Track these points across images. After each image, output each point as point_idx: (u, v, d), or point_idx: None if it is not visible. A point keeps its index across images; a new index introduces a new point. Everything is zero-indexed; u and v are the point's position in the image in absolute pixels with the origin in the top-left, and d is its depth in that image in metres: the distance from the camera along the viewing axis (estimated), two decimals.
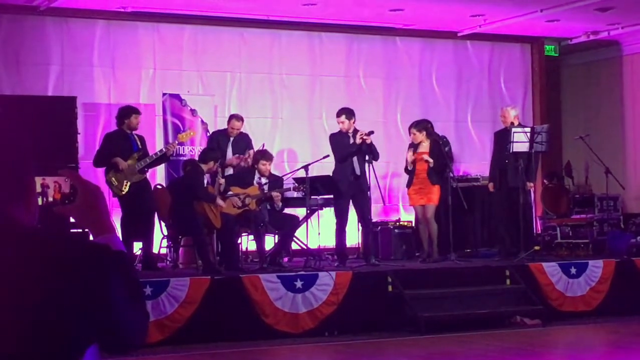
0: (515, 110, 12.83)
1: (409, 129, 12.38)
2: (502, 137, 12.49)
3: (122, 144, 11.34)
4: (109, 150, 11.32)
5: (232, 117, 12.49)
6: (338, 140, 11.86)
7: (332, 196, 12.00)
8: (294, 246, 12.22)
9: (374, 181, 11.72)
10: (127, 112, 11.40)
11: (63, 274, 1.95)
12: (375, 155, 11.77)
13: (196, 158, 11.99)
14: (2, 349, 1.89)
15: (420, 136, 12.18)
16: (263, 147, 12.25)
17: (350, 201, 11.76)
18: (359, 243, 12.88)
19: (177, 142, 12.16)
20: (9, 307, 1.91)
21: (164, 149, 11.71)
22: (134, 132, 11.51)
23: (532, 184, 12.57)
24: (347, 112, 11.82)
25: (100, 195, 2.23)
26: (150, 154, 11.54)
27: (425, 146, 12.21)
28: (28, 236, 2.01)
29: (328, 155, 12.05)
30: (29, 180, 2.09)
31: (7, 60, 12.87)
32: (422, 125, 12.34)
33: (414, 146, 12.28)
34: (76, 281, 1.95)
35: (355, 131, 11.73)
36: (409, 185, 12.32)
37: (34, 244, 1.99)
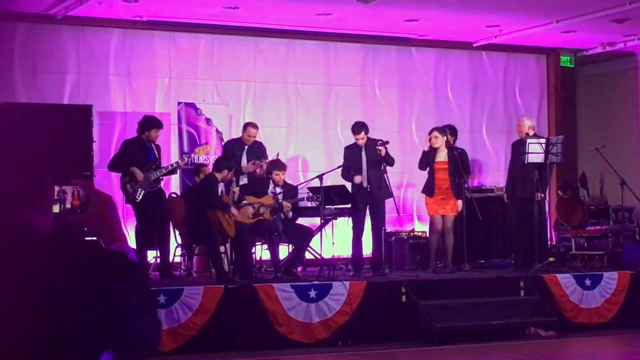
0: (531, 121, 12.84)
1: (430, 132, 12.40)
2: (518, 148, 12.48)
3: (139, 152, 11.37)
4: (125, 156, 11.35)
5: (248, 124, 12.47)
6: (348, 154, 12.04)
7: (346, 206, 12.07)
8: (308, 256, 12.22)
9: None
10: (148, 125, 11.40)
11: (80, 279, 1.96)
12: (389, 162, 11.85)
13: (209, 166, 12.01)
14: (19, 351, 1.90)
15: (441, 140, 12.19)
16: (277, 156, 12.26)
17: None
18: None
19: (187, 159, 12.14)
20: (25, 310, 1.92)
21: (177, 163, 11.72)
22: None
23: (542, 195, 12.54)
24: (365, 127, 11.95)
25: (111, 205, 2.24)
26: (164, 165, 11.59)
27: (443, 155, 12.23)
28: (45, 241, 2.02)
29: (342, 165, 12.10)
30: (47, 186, 2.10)
31: (23, 68, 12.93)
32: (445, 131, 12.42)
33: (431, 152, 12.29)
34: (92, 287, 1.96)
35: (370, 141, 11.81)
36: (429, 193, 12.28)
37: (50, 249, 2.00)
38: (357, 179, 11.77)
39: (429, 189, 12.33)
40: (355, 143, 11.98)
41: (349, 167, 11.94)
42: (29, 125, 2.08)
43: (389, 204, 12.10)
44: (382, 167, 11.79)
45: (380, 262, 11.91)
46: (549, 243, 13.59)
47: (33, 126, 2.08)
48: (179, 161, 11.87)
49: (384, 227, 12.07)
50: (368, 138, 11.93)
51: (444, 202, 12.20)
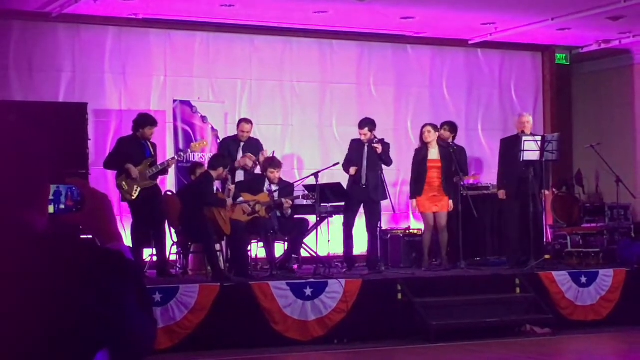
0: (531, 118, 12.94)
1: (423, 126, 12.40)
2: (511, 145, 12.46)
3: (134, 149, 11.37)
4: (121, 154, 11.35)
5: (242, 120, 12.53)
6: (352, 147, 12.09)
7: (342, 203, 12.10)
8: (304, 254, 12.22)
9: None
10: (142, 123, 11.40)
11: (77, 278, 1.96)
12: (386, 162, 11.88)
13: (205, 164, 12.01)
14: (18, 349, 1.91)
15: (434, 135, 12.19)
16: (273, 154, 12.26)
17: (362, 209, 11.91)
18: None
19: (183, 155, 12.18)
20: (23, 310, 1.92)
21: (170, 160, 11.71)
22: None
23: (547, 192, 12.54)
24: (371, 124, 11.99)
25: (107, 204, 2.24)
26: (160, 161, 11.59)
27: (434, 152, 12.23)
28: (42, 241, 2.02)
29: (338, 163, 12.12)
30: (44, 186, 2.10)
31: (19, 66, 12.91)
32: (437, 127, 12.46)
33: (422, 149, 12.28)
34: (90, 286, 1.96)
35: (371, 140, 11.90)
36: (418, 193, 12.25)
37: (48, 249, 2.00)
38: (352, 170, 11.82)
39: (417, 190, 12.28)
40: (360, 138, 12.05)
41: (350, 160, 11.98)
42: (27, 124, 2.08)
43: (384, 201, 12.10)
44: (380, 167, 11.81)
45: (376, 260, 11.92)
46: (544, 240, 13.59)
47: (32, 125, 2.08)
48: (175, 157, 11.89)
49: (380, 225, 12.07)
50: (375, 137, 11.96)
51: (436, 200, 12.19)
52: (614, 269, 12.15)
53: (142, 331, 2.06)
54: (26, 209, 2.04)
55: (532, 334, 11.12)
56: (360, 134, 12.00)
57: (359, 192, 11.85)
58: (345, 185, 12.05)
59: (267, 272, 11.40)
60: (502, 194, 12.51)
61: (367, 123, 12.02)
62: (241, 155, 12.29)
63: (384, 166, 11.99)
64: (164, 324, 9.66)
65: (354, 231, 12.11)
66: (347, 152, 12.28)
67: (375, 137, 11.94)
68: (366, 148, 11.92)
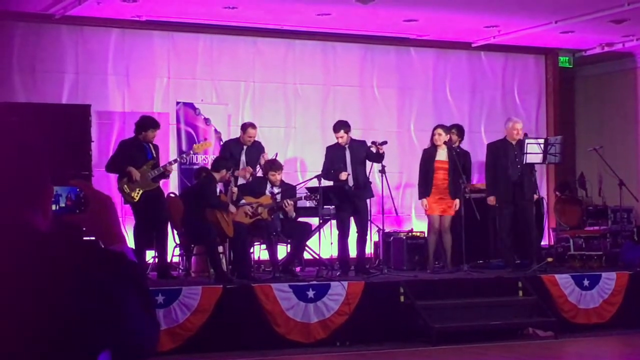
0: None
1: (434, 128, 12.37)
2: (501, 149, 12.39)
3: (136, 152, 11.35)
4: (122, 157, 11.34)
5: (248, 125, 12.40)
6: (330, 153, 11.99)
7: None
8: (307, 256, 12.21)
9: (386, 191, 11.76)
10: (144, 125, 11.37)
11: (79, 279, 1.96)
12: (380, 160, 11.82)
13: (209, 167, 12.01)
14: (19, 350, 1.91)
15: (444, 138, 12.16)
16: (276, 156, 12.25)
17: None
18: (371, 253, 12.91)
19: (186, 157, 12.19)
20: (24, 310, 1.92)
21: (169, 163, 11.69)
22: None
23: (536, 196, 12.55)
24: (346, 126, 11.90)
25: (110, 206, 2.24)
26: (163, 164, 11.56)
27: (443, 154, 12.20)
28: (45, 241, 2.02)
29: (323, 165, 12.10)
30: (46, 186, 2.10)
31: (22, 68, 12.93)
32: (449, 129, 12.42)
33: (431, 150, 12.27)
34: (92, 287, 1.96)
35: (354, 141, 11.85)
36: (426, 194, 12.23)
37: (51, 249, 2.00)
38: (344, 175, 11.73)
39: (425, 190, 12.26)
40: (337, 143, 11.96)
41: (331, 167, 11.89)
42: (28, 125, 2.08)
43: (387, 204, 12.08)
44: (381, 168, 11.78)
45: (364, 263, 11.89)
46: (547, 244, 13.58)
47: (32, 126, 2.08)
48: (172, 161, 11.87)
49: (367, 227, 11.99)
50: (351, 139, 11.92)
51: (443, 202, 12.19)
52: (617, 272, 12.14)
53: (144, 333, 2.06)
54: (27, 210, 2.04)
55: (534, 337, 11.13)
56: (338, 137, 11.91)
57: (350, 195, 11.78)
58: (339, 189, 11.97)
59: (269, 274, 11.41)
60: (491, 200, 12.39)
61: (343, 125, 11.94)
62: (244, 158, 12.27)
63: (385, 168, 11.94)
64: (166, 325, 9.67)
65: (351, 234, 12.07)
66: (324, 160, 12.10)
67: (374, 141, 11.87)
68: (347, 150, 11.86)
